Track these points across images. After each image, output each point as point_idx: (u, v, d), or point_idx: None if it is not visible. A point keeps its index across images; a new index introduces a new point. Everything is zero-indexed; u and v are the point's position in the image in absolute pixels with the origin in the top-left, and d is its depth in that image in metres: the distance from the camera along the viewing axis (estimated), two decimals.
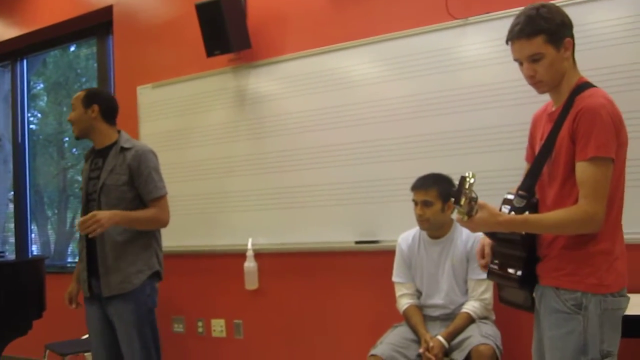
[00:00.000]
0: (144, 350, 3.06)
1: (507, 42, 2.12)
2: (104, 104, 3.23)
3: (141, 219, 3.09)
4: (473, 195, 1.92)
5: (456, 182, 3.06)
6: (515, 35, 2.06)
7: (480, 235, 2.25)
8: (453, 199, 1.94)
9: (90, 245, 3.13)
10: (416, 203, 3.20)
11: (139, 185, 3.11)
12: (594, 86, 2.07)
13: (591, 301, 1.96)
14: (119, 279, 3.05)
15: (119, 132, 3.26)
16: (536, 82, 2.09)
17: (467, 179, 1.89)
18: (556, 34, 2.02)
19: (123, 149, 3.14)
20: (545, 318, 2.08)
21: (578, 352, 1.96)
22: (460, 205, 1.92)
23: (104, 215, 2.92)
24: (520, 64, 2.10)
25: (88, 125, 3.20)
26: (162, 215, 3.15)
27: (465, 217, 1.94)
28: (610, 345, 1.98)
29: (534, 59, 2.04)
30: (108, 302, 3.10)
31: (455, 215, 2.05)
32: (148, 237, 3.15)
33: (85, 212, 3.13)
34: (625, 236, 2.09)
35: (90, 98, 3.21)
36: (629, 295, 2.05)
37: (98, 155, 3.22)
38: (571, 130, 1.98)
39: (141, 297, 3.09)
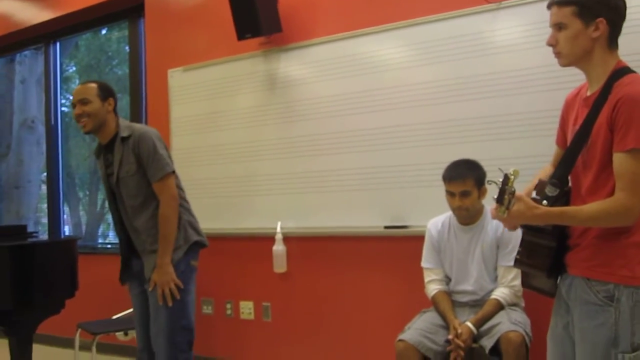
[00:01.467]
0: (169, 328, 3.07)
1: (548, 7, 2.09)
2: (115, 98, 3.22)
3: (167, 231, 3.07)
4: (512, 188, 1.91)
5: (489, 172, 3.08)
6: (552, 2, 2.05)
7: None
8: (495, 198, 1.93)
9: (123, 233, 3.23)
10: (453, 194, 3.15)
11: (145, 169, 3.10)
12: (633, 72, 2.01)
13: (623, 293, 1.93)
14: (155, 261, 3.10)
15: (117, 120, 3.24)
16: (556, 53, 2.07)
17: (511, 178, 1.88)
18: (589, 9, 1.97)
19: (124, 139, 3.13)
20: (576, 309, 2.05)
21: (609, 344, 1.93)
22: (502, 204, 1.91)
23: (165, 278, 3.03)
24: None
25: (103, 119, 3.14)
26: (169, 200, 3.10)
27: (505, 213, 1.92)
28: None
29: (559, 28, 2.02)
30: (145, 281, 3.16)
31: (491, 210, 2.04)
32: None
33: (114, 209, 3.23)
34: None
35: (105, 91, 3.17)
36: None
37: (107, 151, 3.22)
38: (610, 119, 1.93)
39: (177, 273, 3.09)
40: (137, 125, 3.21)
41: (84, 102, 3.11)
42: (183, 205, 3.23)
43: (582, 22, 1.98)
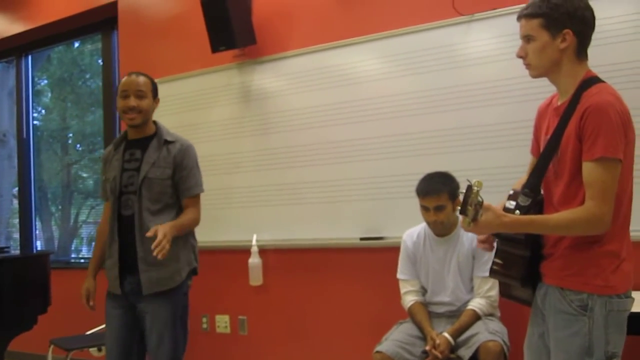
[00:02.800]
0: (172, 349, 2.95)
1: (517, 20, 2.12)
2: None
3: (186, 225, 3.01)
4: (479, 199, 1.90)
5: (462, 183, 3.09)
6: (520, 14, 2.08)
7: None
8: (459, 209, 1.92)
9: (124, 240, 2.98)
10: (427, 209, 3.16)
11: (179, 180, 3.01)
12: (601, 81, 2.03)
13: (597, 302, 1.94)
14: (161, 276, 2.94)
15: (154, 122, 3.14)
16: (526, 64, 2.10)
17: (474, 189, 1.88)
18: (555, 21, 2.00)
19: (167, 142, 3.03)
20: (550, 318, 2.06)
21: (583, 353, 1.95)
22: (467, 215, 1.91)
23: (168, 231, 2.78)
24: None
25: (150, 117, 3.06)
26: (198, 215, 3.08)
27: (471, 224, 1.92)
28: (615, 347, 1.96)
29: (527, 39, 2.05)
30: (142, 299, 2.96)
31: (460, 221, 2.03)
32: (186, 235, 3.05)
33: (119, 204, 2.99)
34: (632, 234, 2.06)
35: (156, 89, 3.10)
36: (636, 292, 2.03)
37: (134, 146, 3.06)
38: (578, 128, 1.94)
39: (179, 295, 3.00)
40: (180, 135, 3.14)
41: (140, 95, 2.99)
42: (192, 230, 3.15)
43: (549, 34, 2.01)
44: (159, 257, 2.72)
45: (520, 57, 2.09)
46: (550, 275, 2.07)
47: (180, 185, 3.03)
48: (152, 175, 2.97)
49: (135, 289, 2.97)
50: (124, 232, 2.98)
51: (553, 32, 2.01)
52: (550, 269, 2.07)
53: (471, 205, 1.89)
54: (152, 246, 2.72)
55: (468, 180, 1.91)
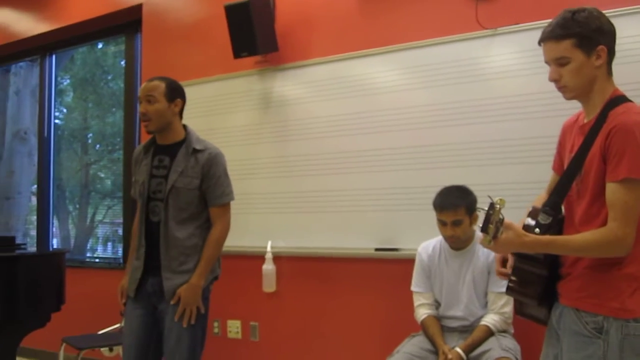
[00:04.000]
0: (190, 351, 2.94)
1: (539, 43, 2.06)
2: (184, 99, 3.07)
3: (213, 255, 3.00)
4: (500, 217, 1.88)
5: (479, 198, 3.08)
6: (546, 36, 2.01)
7: None
8: (481, 227, 1.90)
9: (151, 243, 2.99)
10: (444, 223, 3.14)
11: (207, 188, 2.98)
12: (629, 100, 1.99)
13: (612, 326, 1.90)
14: (182, 283, 2.94)
15: (184, 127, 3.10)
16: (561, 87, 2.03)
17: (496, 207, 1.86)
18: (588, 39, 1.95)
19: (195, 151, 2.99)
20: (565, 339, 2.03)
21: None
22: (488, 233, 1.89)
23: (194, 300, 2.91)
24: (550, 66, 2.04)
25: (168, 121, 2.99)
26: (225, 228, 3.05)
27: (492, 242, 1.90)
28: None
29: (560, 62, 1.98)
30: (163, 300, 2.96)
31: (479, 239, 2.01)
32: None
33: (146, 211, 3.01)
34: None
35: (174, 91, 3.01)
36: None
37: (162, 152, 3.03)
38: (603, 148, 1.91)
39: (202, 299, 2.98)
40: (210, 143, 3.08)
41: (149, 100, 2.95)
42: None
43: (584, 53, 1.96)
44: (184, 324, 2.89)
45: (553, 80, 2.03)
46: (566, 296, 2.03)
47: (207, 194, 3.00)
48: (179, 185, 2.95)
49: (158, 290, 2.97)
50: (151, 237, 3.00)
51: (587, 51, 1.96)
52: (566, 289, 2.04)
53: (492, 223, 1.87)
54: (176, 318, 2.88)
55: (490, 198, 1.90)
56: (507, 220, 1.90)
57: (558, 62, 1.99)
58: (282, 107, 4.31)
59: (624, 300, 1.90)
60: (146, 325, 3.01)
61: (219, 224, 3.02)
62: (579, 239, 1.92)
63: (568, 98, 2.06)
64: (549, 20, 2.06)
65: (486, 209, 1.89)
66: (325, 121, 4.11)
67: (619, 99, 1.99)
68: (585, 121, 2.06)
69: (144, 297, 3.02)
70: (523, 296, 2.12)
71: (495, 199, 1.86)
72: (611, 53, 2.01)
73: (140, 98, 2.99)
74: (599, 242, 1.89)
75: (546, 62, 2.04)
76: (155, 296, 2.99)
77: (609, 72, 2.03)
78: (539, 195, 2.31)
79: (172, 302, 2.91)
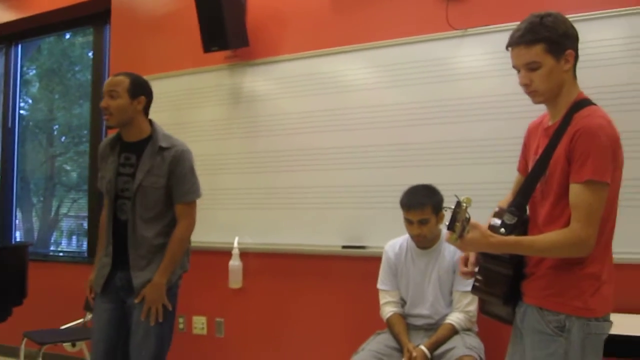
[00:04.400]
0: (157, 345, 2.93)
1: (507, 48, 2.06)
2: (149, 96, 3.02)
3: (177, 253, 2.97)
4: (467, 216, 1.89)
5: (447, 197, 3.10)
6: (515, 41, 2.01)
7: None
8: (447, 224, 1.91)
9: (118, 241, 2.98)
10: (411, 222, 3.16)
11: (173, 186, 2.96)
12: (593, 103, 2.03)
13: (574, 324, 1.94)
14: (150, 279, 2.93)
15: (150, 122, 3.05)
16: (531, 91, 2.04)
17: (463, 205, 1.87)
18: (557, 44, 1.97)
19: (161, 149, 2.95)
20: (528, 337, 2.05)
21: None
22: (454, 231, 1.90)
23: (158, 298, 2.89)
24: (518, 71, 2.05)
25: (130, 117, 2.94)
26: (190, 225, 3.01)
27: (458, 241, 1.92)
28: None
29: (531, 67, 1.99)
30: (131, 295, 2.94)
31: (445, 236, 2.02)
32: None
33: (114, 209, 2.99)
34: (615, 256, 2.06)
35: (138, 88, 2.96)
36: (618, 314, 2.04)
37: (129, 149, 3.00)
38: (568, 150, 1.94)
39: (169, 294, 2.96)
40: (177, 140, 3.04)
41: (112, 95, 2.91)
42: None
43: (553, 58, 1.98)
44: (151, 323, 2.88)
45: (524, 85, 2.04)
46: (530, 295, 2.06)
47: (173, 192, 2.97)
48: (146, 184, 2.93)
49: (126, 284, 2.96)
50: (119, 234, 2.98)
51: (557, 55, 1.98)
52: (530, 289, 2.06)
53: (459, 221, 1.89)
54: (142, 317, 2.87)
55: (457, 197, 1.91)
56: (473, 220, 1.92)
57: (529, 67, 2.00)
58: (252, 102, 4.29)
59: (586, 299, 1.94)
60: (115, 319, 3.00)
61: (184, 222, 3.00)
62: (543, 240, 1.95)
63: (537, 102, 2.08)
64: (518, 23, 2.06)
65: (453, 207, 1.90)
66: (295, 118, 4.10)
67: (584, 102, 2.02)
68: (550, 123, 2.08)
69: (112, 292, 3.00)
70: (489, 295, 2.14)
71: (462, 198, 1.87)
72: (576, 57, 2.03)
73: (103, 92, 2.95)
74: (562, 243, 1.91)
75: (514, 66, 2.06)
76: (123, 290, 2.98)
77: (574, 76, 2.06)
78: (505, 197, 2.33)
79: (136, 301, 2.91)
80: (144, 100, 2.98)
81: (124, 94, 2.92)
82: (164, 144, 2.97)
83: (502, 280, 2.08)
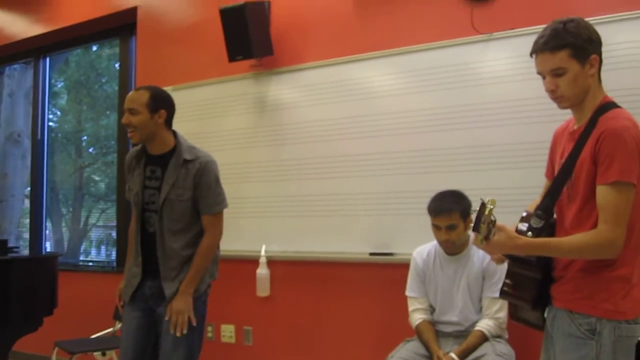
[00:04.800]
0: (187, 355, 2.93)
1: (531, 55, 2.09)
2: (170, 109, 3.01)
3: (204, 264, 2.98)
4: (492, 218, 1.90)
5: (473, 202, 3.08)
6: (540, 48, 2.03)
7: None
8: (472, 226, 1.92)
9: (147, 252, 3.00)
10: (439, 227, 3.14)
11: (199, 197, 2.97)
12: (618, 106, 2.04)
13: (605, 327, 1.94)
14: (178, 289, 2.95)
15: (174, 134, 3.06)
16: (557, 97, 2.05)
17: (487, 206, 1.88)
18: (582, 49, 1.99)
19: (186, 161, 2.95)
20: (558, 341, 2.05)
21: None
22: (479, 232, 1.91)
23: (185, 308, 2.89)
24: (543, 77, 2.07)
25: (153, 132, 2.95)
26: (216, 236, 3.03)
27: (483, 242, 1.92)
28: None
29: (557, 73, 2.01)
30: (161, 303, 2.96)
31: (472, 238, 2.02)
32: None
33: (142, 222, 3.01)
34: None
35: (158, 101, 2.95)
36: None
37: (154, 162, 3.01)
38: (593, 152, 1.95)
39: (198, 303, 2.98)
40: (201, 151, 3.04)
41: (132, 111, 2.91)
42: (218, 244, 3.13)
43: (578, 63, 1.99)
44: (177, 334, 2.87)
45: (550, 91, 2.05)
46: (559, 299, 2.06)
47: (199, 203, 2.98)
48: (172, 197, 2.94)
49: (156, 293, 2.98)
50: (148, 246, 3.00)
51: (582, 61, 2.00)
52: (560, 292, 2.06)
53: (484, 223, 1.89)
54: (170, 329, 2.87)
55: (481, 199, 1.92)
56: (499, 222, 1.93)
57: (554, 73, 2.02)
58: (276, 110, 4.30)
59: (617, 302, 1.94)
60: (143, 327, 3.01)
61: (210, 233, 3.01)
62: (570, 241, 1.96)
63: (563, 107, 2.09)
64: (543, 26, 2.07)
65: (477, 209, 1.91)
66: (320, 125, 4.10)
67: (609, 105, 2.04)
68: (576, 127, 2.10)
69: (142, 300, 3.02)
70: (517, 299, 2.15)
71: (486, 199, 1.89)
72: (600, 61, 2.05)
73: (125, 108, 2.96)
74: (590, 244, 1.92)
75: (539, 73, 2.07)
76: (152, 299, 3.00)
77: (599, 80, 2.07)
78: (532, 202, 2.32)
79: (166, 318, 2.91)
80: (164, 114, 2.96)
81: (143, 110, 2.91)
82: (188, 157, 2.97)
83: (530, 284, 2.09)
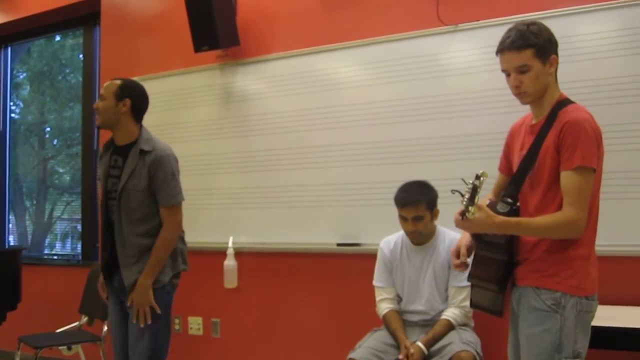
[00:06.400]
0: (152, 346, 2.97)
1: (497, 54, 2.22)
2: (137, 100, 3.08)
3: (161, 256, 2.98)
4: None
5: (440, 192, 3.11)
6: (507, 47, 2.17)
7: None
8: (468, 197, 2.00)
9: (112, 242, 3.06)
10: (405, 219, 3.17)
11: (155, 190, 2.99)
12: (574, 102, 2.19)
13: (569, 302, 2.08)
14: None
15: (140, 128, 3.11)
16: (521, 93, 2.19)
17: (481, 179, 1.98)
18: (543, 49, 2.14)
19: (143, 152, 3.00)
20: (524, 316, 2.18)
21: (553, 350, 2.07)
22: (474, 204, 2.00)
23: (144, 300, 2.93)
24: (508, 75, 2.21)
25: (115, 119, 3.03)
26: (174, 229, 3.03)
27: (473, 214, 2.00)
28: (581, 347, 2.09)
29: (522, 70, 2.15)
30: (126, 295, 3.01)
31: (455, 216, 2.08)
32: None
33: (105, 210, 3.08)
34: (598, 248, 2.20)
35: (125, 91, 3.04)
36: (607, 306, 2.13)
37: (118, 152, 3.08)
38: (557, 141, 2.10)
39: (161, 293, 3.01)
40: (160, 143, 3.07)
41: (100, 97, 3.05)
42: (180, 235, 3.15)
43: (541, 62, 2.15)
44: (141, 324, 2.93)
45: (514, 87, 2.19)
46: (525, 277, 2.19)
47: (156, 196, 3.02)
48: (129, 187, 2.99)
49: (122, 285, 3.03)
50: (111, 234, 3.06)
51: (543, 60, 2.15)
52: (525, 272, 2.20)
53: (479, 194, 1.99)
54: (133, 319, 2.95)
55: (463, 180, 2.03)
56: (479, 202, 2.03)
57: (519, 70, 2.16)
58: (243, 101, 4.28)
59: (579, 278, 2.10)
60: (121, 319, 3.11)
61: (167, 225, 3.02)
62: (540, 221, 2.10)
63: (524, 102, 2.25)
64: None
65: (468, 182, 2.00)
66: (287, 116, 4.10)
67: (566, 101, 2.20)
68: (534, 122, 2.26)
69: (114, 292, 3.12)
70: (484, 281, 2.26)
71: (479, 171, 1.99)
72: (557, 62, 2.22)
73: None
74: (557, 224, 2.06)
75: (504, 70, 2.22)
76: (120, 291, 3.07)
77: (556, 78, 2.24)
78: (485, 196, 2.40)
79: (128, 304, 2.98)
80: (128, 103, 3.03)
81: (109, 97, 3.03)
82: (145, 147, 3.01)
83: (497, 266, 2.24)
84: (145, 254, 2.99)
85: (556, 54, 2.19)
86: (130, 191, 2.99)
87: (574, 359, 2.07)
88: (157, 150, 3.02)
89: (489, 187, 2.40)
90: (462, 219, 2.04)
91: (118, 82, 3.07)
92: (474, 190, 1.99)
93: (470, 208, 2.00)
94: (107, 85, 3.07)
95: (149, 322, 2.94)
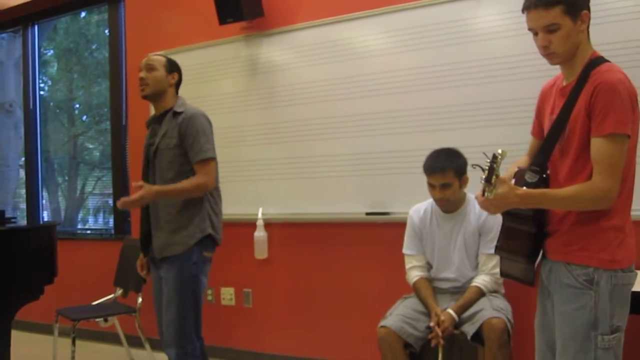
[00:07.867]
0: (180, 318, 3.03)
1: (523, 11, 2.08)
2: (180, 76, 3.27)
3: (180, 189, 3.01)
4: (498, 171, 1.93)
5: (469, 160, 3.08)
6: (533, 4, 2.02)
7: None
8: (484, 178, 1.93)
9: (149, 214, 3.18)
10: (433, 186, 3.15)
11: (186, 148, 3.06)
12: (608, 61, 2.04)
13: (602, 276, 1.97)
14: (167, 242, 3.06)
15: (178, 97, 3.27)
16: (549, 53, 2.05)
17: (498, 158, 1.90)
18: (574, 5, 1.98)
19: (176, 114, 3.12)
20: (556, 293, 2.08)
21: (589, 327, 1.97)
22: (491, 184, 1.92)
23: (145, 197, 2.96)
24: (535, 33, 2.06)
25: (163, 89, 3.16)
26: (205, 180, 3.05)
27: (492, 193, 1.93)
28: (619, 320, 1.99)
29: (550, 29, 2.00)
30: (160, 264, 3.13)
31: (477, 195, 2.04)
32: (200, 201, 3.09)
33: (143, 177, 3.19)
34: (633, 213, 2.08)
35: (172, 65, 3.24)
36: (637, 271, 2.06)
37: (156, 122, 3.22)
38: (588, 105, 1.96)
39: (186, 263, 3.06)
40: (193, 107, 3.20)
41: (150, 67, 3.15)
42: (213, 195, 3.18)
43: (571, 19, 1.99)
44: (117, 205, 3.02)
45: (543, 47, 2.05)
46: (555, 251, 2.09)
47: (188, 153, 3.08)
48: (162, 146, 3.11)
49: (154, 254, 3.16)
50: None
51: (574, 17, 1.99)
52: (555, 245, 2.09)
53: (497, 175, 1.91)
54: (118, 205, 3.03)
55: (484, 154, 1.95)
56: (500, 176, 1.95)
57: (548, 29, 2.01)
58: (269, 73, 4.27)
59: (612, 251, 1.98)
60: (162, 288, 3.17)
61: (197, 177, 3.05)
62: (567, 191, 1.99)
63: (554, 63, 2.09)
64: None
65: (486, 162, 1.93)
66: (313, 86, 4.09)
67: (599, 60, 2.04)
68: (565, 83, 2.10)
69: (154, 264, 3.22)
70: (512, 254, 2.17)
71: (498, 150, 1.91)
72: (589, 17, 2.05)
73: (140, 67, 3.18)
74: (585, 194, 1.95)
75: (530, 29, 2.07)
76: (155, 260, 3.18)
77: (588, 35, 2.07)
78: (516, 161, 2.34)
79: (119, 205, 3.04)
80: (176, 76, 3.24)
81: (160, 68, 3.17)
82: (178, 110, 3.13)
83: (525, 238, 2.13)
84: (174, 220, 3.06)
85: (588, 9, 2.02)
86: (163, 150, 3.10)
87: (612, 334, 1.96)
88: (188, 109, 3.14)
89: (511, 160, 2.37)
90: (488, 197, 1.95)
91: (164, 57, 3.23)
92: (491, 171, 1.91)
93: (487, 188, 1.93)
94: (153, 58, 3.20)
95: (120, 204, 3.01)
